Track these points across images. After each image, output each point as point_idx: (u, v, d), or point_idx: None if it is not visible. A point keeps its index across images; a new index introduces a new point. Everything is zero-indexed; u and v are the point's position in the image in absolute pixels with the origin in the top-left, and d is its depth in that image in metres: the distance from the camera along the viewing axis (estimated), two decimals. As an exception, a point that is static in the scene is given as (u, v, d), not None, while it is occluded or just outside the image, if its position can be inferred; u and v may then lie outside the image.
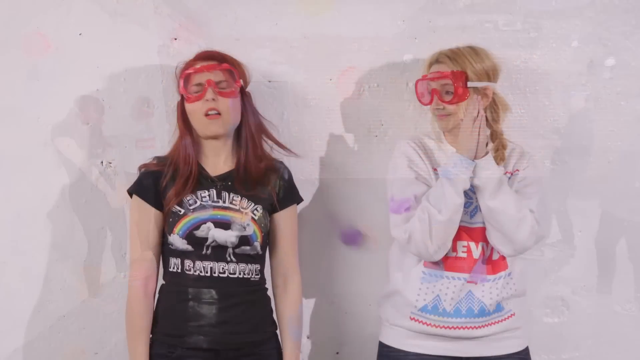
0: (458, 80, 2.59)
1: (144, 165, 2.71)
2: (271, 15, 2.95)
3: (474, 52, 2.65)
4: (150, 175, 2.67)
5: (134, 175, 2.78)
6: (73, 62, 2.92)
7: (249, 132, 2.69)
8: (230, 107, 2.63)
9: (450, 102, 2.61)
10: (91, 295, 2.95)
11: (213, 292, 2.59)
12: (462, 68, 2.61)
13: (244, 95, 2.71)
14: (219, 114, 2.62)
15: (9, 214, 2.93)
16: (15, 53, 2.91)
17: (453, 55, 2.64)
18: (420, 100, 2.71)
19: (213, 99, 2.62)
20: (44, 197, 2.93)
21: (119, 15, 2.92)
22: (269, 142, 2.77)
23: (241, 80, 2.68)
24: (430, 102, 2.67)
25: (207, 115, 2.62)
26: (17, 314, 2.93)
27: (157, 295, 2.68)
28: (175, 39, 2.94)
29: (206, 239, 2.59)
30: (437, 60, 2.67)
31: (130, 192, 2.68)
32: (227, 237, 2.60)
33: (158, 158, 2.72)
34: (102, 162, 2.94)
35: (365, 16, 2.96)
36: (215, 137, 2.66)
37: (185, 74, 2.65)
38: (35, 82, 2.91)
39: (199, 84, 2.64)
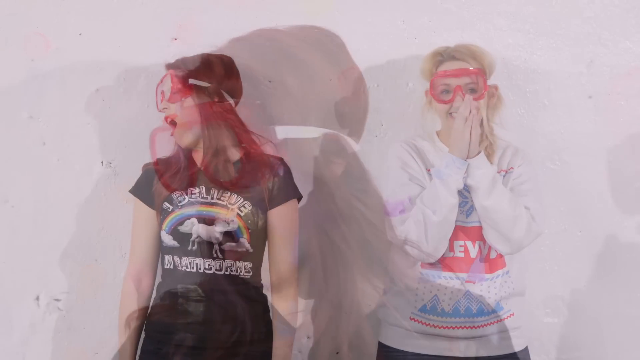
0: (483, 77, 2.58)
1: (146, 165, 2.74)
2: (271, 15, 2.95)
3: (479, 48, 2.65)
4: (147, 175, 2.70)
5: (133, 175, 2.79)
6: (73, 62, 2.92)
7: (200, 123, 2.64)
8: (179, 111, 2.62)
9: (476, 99, 2.59)
10: (91, 295, 2.95)
11: (199, 288, 2.60)
12: (481, 65, 2.60)
13: (198, 93, 2.63)
14: (174, 121, 2.63)
15: (10, 214, 2.93)
16: (16, 53, 2.91)
17: (470, 52, 2.62)
18: (436, 98, 2.64)
19: (165, 108, 2.64)
20: (44, 197, 2.93)
21: (119, 15, 2.93)
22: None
23: (191, 79, 2.62)
24: (452, 100, 2.62)
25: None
26: (17, 313, 2.94)
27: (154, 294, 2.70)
28: (175, 39, 2.94)
29: (191, 234, 2.60)
30: (453, 57, 2.63)
31: (131, 192, 2.71)
32: (211, 232, 2.60)
33: (160, 159, 2.74)
34: (102, 162, 2.94)
35: (365, 16, 2.96)
36: (193, 146, 2.66)
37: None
38: (35, 82, 2.91)
39: None
